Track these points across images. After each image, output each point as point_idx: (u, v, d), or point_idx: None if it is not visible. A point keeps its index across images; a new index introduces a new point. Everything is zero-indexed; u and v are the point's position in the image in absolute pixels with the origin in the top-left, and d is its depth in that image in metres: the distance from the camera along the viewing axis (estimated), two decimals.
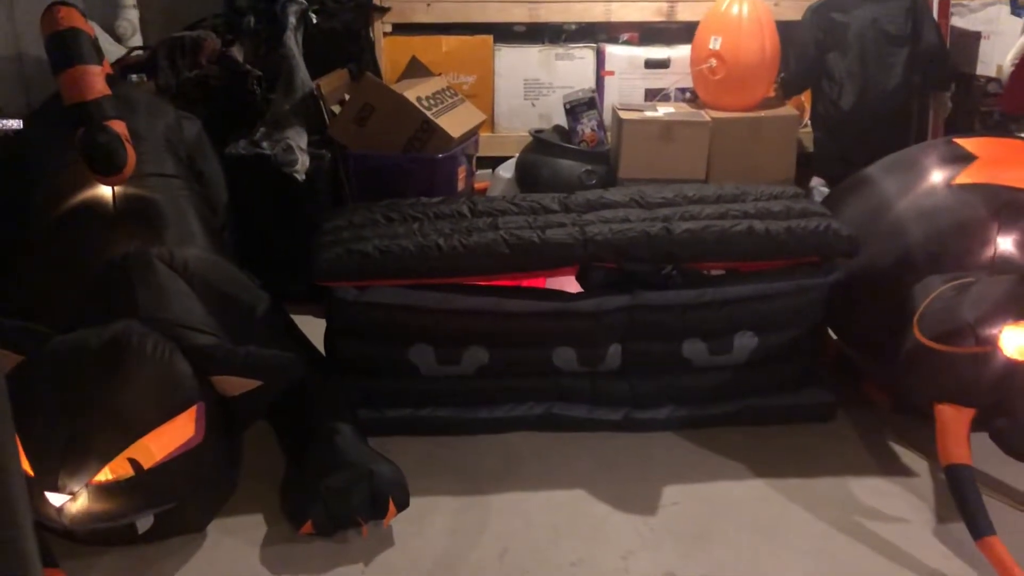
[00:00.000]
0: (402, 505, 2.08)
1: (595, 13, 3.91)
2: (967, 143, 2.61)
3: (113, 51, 3.64)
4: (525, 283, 2.73)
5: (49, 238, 2.37)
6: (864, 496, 2.26)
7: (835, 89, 3.56)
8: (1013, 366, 2.01)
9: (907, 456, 2.42)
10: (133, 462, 1.87)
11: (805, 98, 3.85)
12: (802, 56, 3.64)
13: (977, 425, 2.09)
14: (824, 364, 2.64)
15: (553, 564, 2.04)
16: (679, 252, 2.40)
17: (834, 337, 2.74)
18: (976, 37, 3.66)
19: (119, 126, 2.31)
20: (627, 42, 4.05)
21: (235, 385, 2.04)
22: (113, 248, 2.23)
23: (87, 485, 1.83)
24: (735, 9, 3.60)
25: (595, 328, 2.44)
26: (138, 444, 1.88)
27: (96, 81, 2.33)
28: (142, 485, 1.88)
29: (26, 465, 1.82)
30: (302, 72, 3.34)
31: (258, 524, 2.15)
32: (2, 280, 2.42)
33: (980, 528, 1.95)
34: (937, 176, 2.53)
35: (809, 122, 3.81)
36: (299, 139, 3.19)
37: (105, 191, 2.36)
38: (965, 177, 2.47)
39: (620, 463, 2.39)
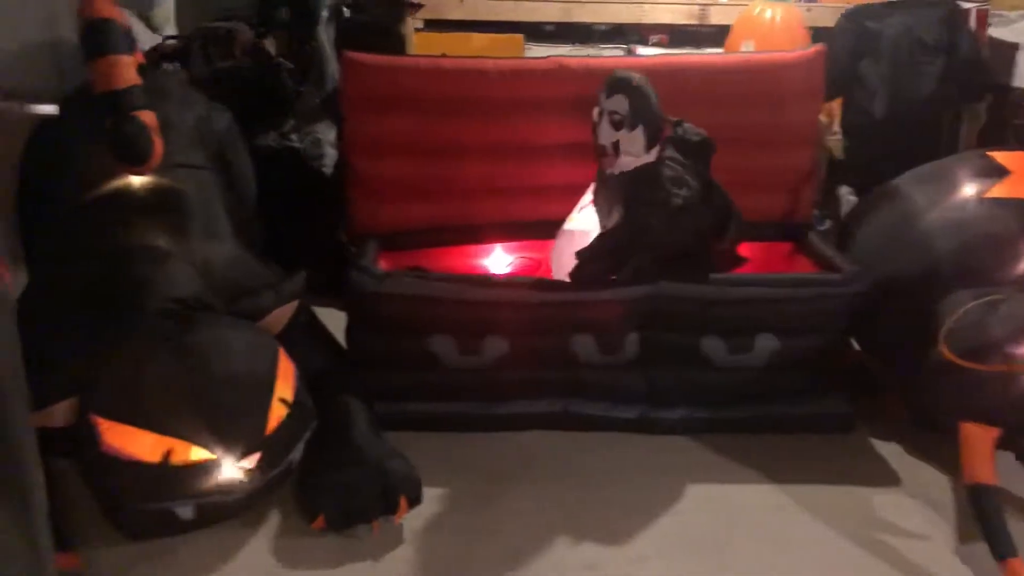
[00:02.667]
0: (414, 502, 2.08)
1: (626, 14, 3.91)
2: (1001, 156, 2.57)
3: (148, 40, 3.67)
4: (540, 273, 2.74)
5: (78, 221, 2.40)
6: (883, 510, 2.24)
7: (867, 97, 3.52)
8: None
9: (927, 471, 2.38)
10: (285, 401, 2.04)
11: (836, 105, 3.81)
12: (834, 63, 3.59)
13: (1003, 445, 2.06)
14: (845, 373, 2.61)
15: (564, 567, 2.04)
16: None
17: (857, 347, 2.71)
18: (1014, 48, 3.61)
19: (148, 116, 2.33)
20: (657, 44, 4.03)
21: (278, 321, 2.19)
22: (137, 237, 2.25)
23: (267, 437, 1.97)
24: (768, 14, 3.58)
25: (615, 316, 2.44)
26: (278, 387, 2.03)
27: (126, 70, 2.36)
28: (296, 417, 2.06)
29: (148, 454, 1.88)
30: (333, 66, 3.35)
31: (272, 516, 2.16)
32: (31, 257, 2.51)
33: (1002, 549, 1.92)
34: (969, 189, 2.49)
35: (839, 129, 3.77)
36: (328, 133, 3.21)
37: (132, 180, 2.38)
38: (998, 191, 2.44)
39: (634, 466, 2.38)
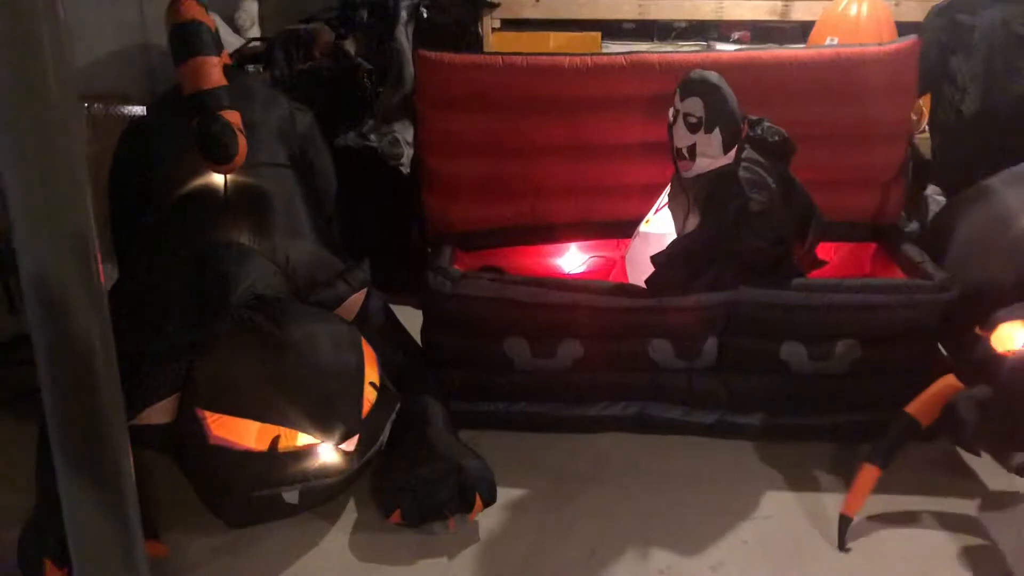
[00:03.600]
0: (489, 501, 2.10)
1: (706, 11, 3.85)
2: None
3: (232, 42, 3.76)
4: (614, 273, 2.72)
5: (165, 219, 2.47)
6: (964, 520, 2.17)
7: (957, 94, 3.39)
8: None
9: (1019, 484, 2.29)
10: (373, 384, 2.12)
11: (924, 103, 3.69)
12: (923, 59, 3.48)
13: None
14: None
15: (640, 570, 2.02)
16: None
17: (945, 354, 2.62)
18: None
19: (233, 116, 2.38)
20: (738, 41, 3.97)
21: (352, 308, 2.25)
22: (222, 234, 2.31)
23: (363, 420, 2.05)
24: (853, 9, 3.49)
25: (693, 322, 2.40)
26: (367, 372, 2.11)
27: (213, 72, 2.41)
28: (383, 399, 2.14)
29: (257, 443, 1.96)
30: (412, 67, 3.38)
31: (349, 509, 2.20)
32: (121, 253, 2.62)
33: (880, 460, 2.07)
34: None
35: (927, 128, 3.65)
36: (406, 133, 3.24)
37: (218, 179, 2.44)
38: None
39: (712, 471, 2.35)
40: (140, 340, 2.03)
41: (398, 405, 2.20)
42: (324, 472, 2.00)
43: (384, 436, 2.13)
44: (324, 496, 2.09)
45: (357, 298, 2.27)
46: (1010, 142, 3.27)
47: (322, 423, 1.99)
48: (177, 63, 2.48)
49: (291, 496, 2.01)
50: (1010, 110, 3.34)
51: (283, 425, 1.96)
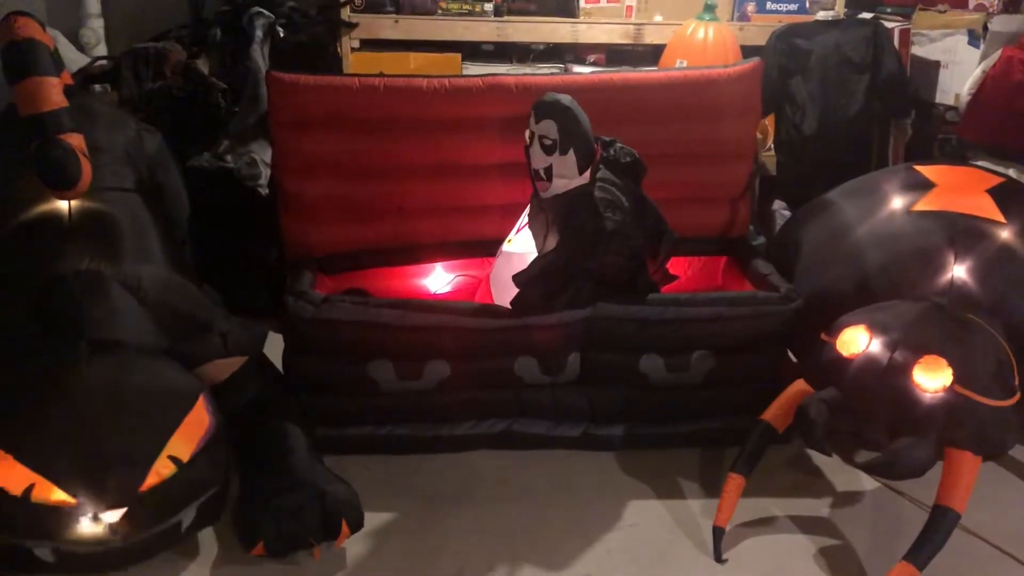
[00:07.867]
0: (356, 526, 2.06)
1: (562, 34, 3.94)
2: (926, 170, 2.65)
3: (76, 60, 3.60)
4: (480, 292, 2.74)
5: (2, 249, 2.33)
6: (818, 520, 2.28)
7: (797, 114, 3.60)
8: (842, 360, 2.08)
9: (868, 482, 2.43)
10: (174, 459, 1.92)
11: (769, 122, 3.88)
12: (765, 81, 3.66)
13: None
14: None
15: None
16: None
17: (794, 360, 2.75)
18: (936, 66, 3.73)
19: (75, 139, 2.27)
20: (594, 63, 4.08)
21: (223, 369, 2.12)
22: (67, 263, 2.20)
23: (140, 493, 1.85)
24: (700, 33, 3.65)
25: (556, 338, 2.44)
26: (171, 443, 1.92)
27: (52, 93, 2.29)
28: (184, 477, 1.93)
29: (12, 486, 1.81)
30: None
31: (209, 543, 2.11)
32: None
33: (739, 467, 2.16)
34: (897, 202, 2.56)
35: (772, 146, 3.85)
36: (263, 153, 3.17)
37: (61, 205, 2.33)
38: (924, 204, 2.50)
39: (579, 483, 2.39)
40: None
41: (213, 489, 2.02)
42: (77, 538, 1.81)
43: (183, 518, 1.95)
44: (90, 565, 1.88)
45: (231, 363, 2.13)
46: (846, 158, 3.50)
47: (87, 484, 1.81)
48: (12, 84, 2.35)
49: (43, 553, 1.85)
50: (844, 128, 3.56)
51: (41, 474, 1.81)
